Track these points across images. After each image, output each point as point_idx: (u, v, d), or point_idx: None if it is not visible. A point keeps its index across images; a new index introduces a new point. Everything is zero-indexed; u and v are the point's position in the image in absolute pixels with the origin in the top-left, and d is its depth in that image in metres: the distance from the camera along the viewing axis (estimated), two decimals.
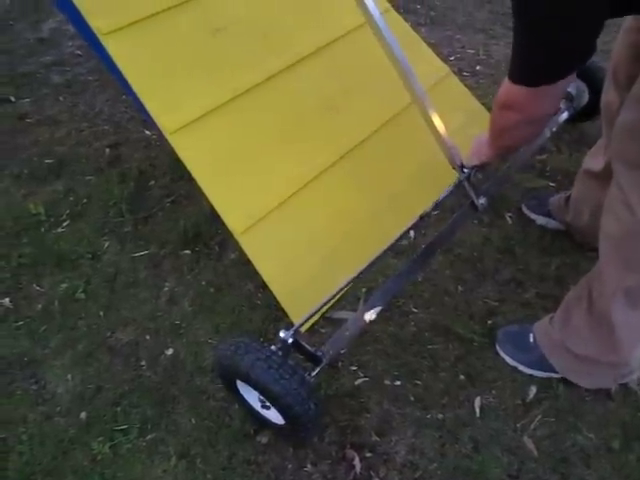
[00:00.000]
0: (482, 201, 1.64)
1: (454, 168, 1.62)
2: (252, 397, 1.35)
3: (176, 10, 1.71)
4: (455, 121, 2.06)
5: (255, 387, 1.23)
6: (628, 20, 1.31)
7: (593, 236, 1.40)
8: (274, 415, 1.30)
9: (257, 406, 1.35)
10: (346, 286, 1.42)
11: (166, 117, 1.59)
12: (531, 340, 1.52)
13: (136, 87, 1.58)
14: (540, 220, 1.91)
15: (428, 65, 2.14)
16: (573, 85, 2.04)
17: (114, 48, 1.58)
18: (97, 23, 1.58)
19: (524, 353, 1.52)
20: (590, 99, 2.04)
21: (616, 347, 1.36)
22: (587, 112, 2.08)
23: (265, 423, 1.39)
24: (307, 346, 1.29)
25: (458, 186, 1.64)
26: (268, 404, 1.27)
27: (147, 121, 2.40)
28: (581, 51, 0.99)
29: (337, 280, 1.42)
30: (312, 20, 1.94)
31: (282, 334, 1.27)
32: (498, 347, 1.57)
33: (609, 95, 1.43)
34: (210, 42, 1.74)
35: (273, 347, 1.26)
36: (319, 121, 1.80)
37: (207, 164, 1.62)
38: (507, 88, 1.14)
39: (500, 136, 1.33)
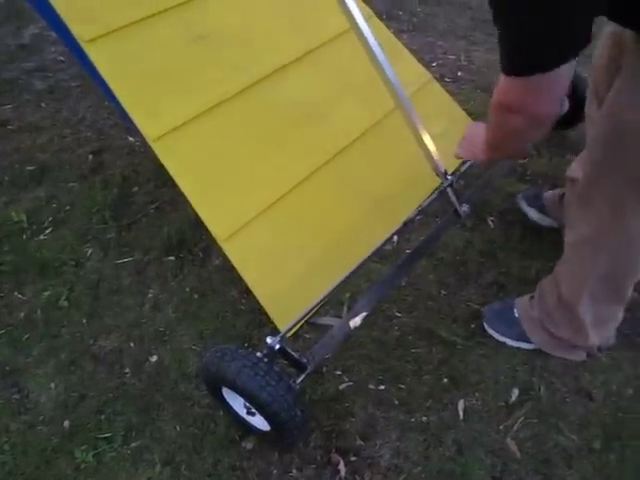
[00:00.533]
0: (465, 208, 1.66)
1: (437, 175, 1.63)
2: (237, 404, 1.35)
3: (158, 17, 1.72)
4: (437, 127, 2.07)
5: (241, 394, 1.23)
6: (606, 35, 1.34)
7: None
8: (259, 421, 1.30)
9: (242, 412, 1.35)
10: (330, 292, 1.42)
11: (149, 124, 1.58)
12: (515, 315, 1.58)
13: (119, 94, 1.58)
14: (532, 214, 1.91)
15: (410, 71, 2.16)
16: None
17: (96, 55, 1.58)
18: (79, 30, 1.57)
19: (510, 327, 1.58)
20: (571, 107, 2.07)
21: (584, 334, 1.45)
22: (568, 120, 2.11)
23: (250, 429, 1.39)
24: (293, 353, 1.30)
25: (441, 193, 1.65)
26: (253, 410, 1.28)
27: (130, 128, 2.39)
28: (567, 37, 0.92)
29: (321, 285, 1.43)
30: (294, 28, 1.95)
31: (269, 340, 1.27)
32: (486, 325, 1.62)
33: (590, 109, 1.46)
34: (192, 49, 1.74)
35: (259, 354, 1.26)
36: (302, 128, 1.81)
37: (190, 171, 1.61)
38: (502, 86, 1.06)
39: (504, 142, 1.25)
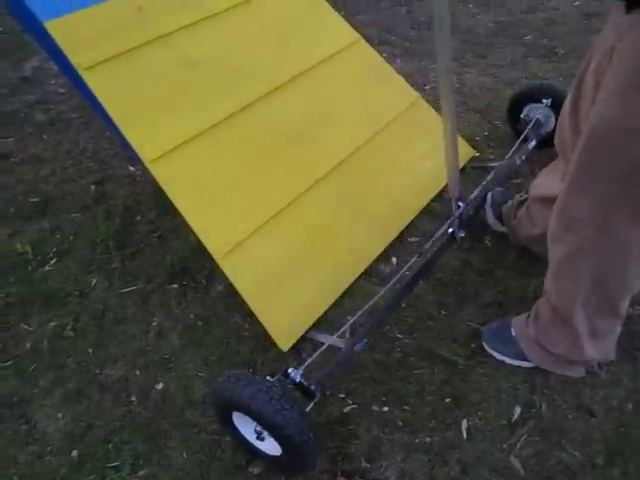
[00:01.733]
0: (462, 234, 1.70)
1: (450, 199, 1.67)
2: (248, 429, 1.37)
3: (153, 44, 1.78)
4: (426, 144, 2.13)
5: (256, 418, 1.26)
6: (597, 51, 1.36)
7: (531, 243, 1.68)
8: (270, 446, 1.32)
9: (252, 438, 1.37)
10: (329, 308, 1.46)
11: (146, 146, 1.64)
12: (512, 334, 1.60)
13: (116, 118, 1.63)
14: (490, 218, 2.01)
15: (398, 91, 2.23)
16: (540, 112, 2.13)
17: (94, 82, 1.64)
18: (77, 59, 1.64)
19: (508, 346, 1.60)
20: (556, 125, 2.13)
21: (580, 348, 1.46)
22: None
23: (259, 454, 1.41)
24: (304, 382, 1.33)
25: (450, 218, 1.71)
26: (263, 436, 1.30)
27: (131, 156, 2.44)
28: None
29: (319, 300, 1.48)
30: (283, 52, 2.01)
31: (291, 372, 1.32)
32: (485, 344, 1.65)
33: (564, 123, 1.47)
34: (187, 74, 1.80)
35: (269, 378, 1.30)
36: (294, 147, 1.86)
37: (187, 191, 1.66)
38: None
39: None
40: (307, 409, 1.32)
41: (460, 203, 1.66)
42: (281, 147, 1.84)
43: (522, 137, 2.11)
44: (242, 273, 1.62)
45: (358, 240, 1.82)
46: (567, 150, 1.46)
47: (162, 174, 1.64)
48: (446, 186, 1.98)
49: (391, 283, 1.64)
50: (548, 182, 1.65)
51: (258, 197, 1.74)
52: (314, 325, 1.67)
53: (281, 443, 1.26)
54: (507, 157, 2.05)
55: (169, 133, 1.69)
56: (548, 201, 1.63)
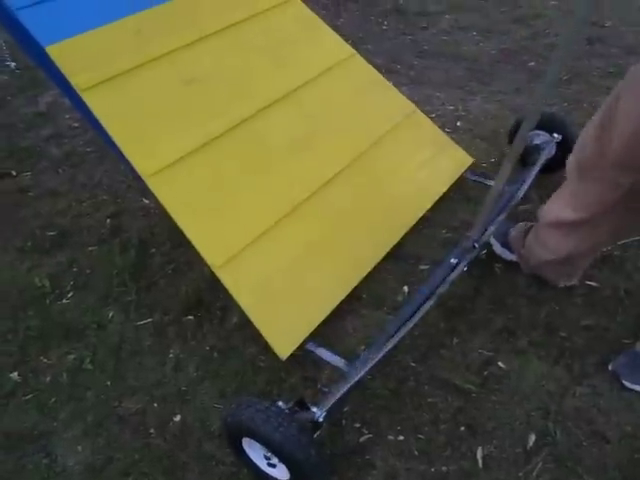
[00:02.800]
0: (465, 268, 1.74)
1: (469, 237, 1.73)
2: (258, 456, 1.41)
3: (150, 65, 1.84)
4: (424, 154, 2.18)
5: (265, 443, 1.30)
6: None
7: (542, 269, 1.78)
8: (279, 472, 1.36)
9: (262, 464, 1.40)
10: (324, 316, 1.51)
11: (144, 162, 1.69)
12: None
13: (114, 135, 1.69)
14: (497, 247, 2.04)
15: (394, 103, 2.28)
16: (541, 138, 2.18)
17: (93, 101, 1.70)
18: (76, 80, 1.70)
19: None
20: (558, 152, 2.18)
21: None
22: (554, 165, 2.20)
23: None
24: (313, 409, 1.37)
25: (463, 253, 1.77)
26: (274, 462, 1.33)
27: (145, 189, 2.50)
28: None
29: (316, 308, 1.52)
30: (278, 68, 2.07)
31: (315, 411, 1.38)
32: (627, 383, 1.63)
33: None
34: (183, 92, 1.86)
35: (281, 403, 1.36)
36: (291, 161, 1.91)
37: (184, 204, 1.71)
38: None
39: None
40: (315, 435, 1.37)
41: (476, 244, 1.70)
42: (278, 160, 1.88)
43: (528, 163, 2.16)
44: (240, 283, 1.65)
45: (356, 249, 1.85)
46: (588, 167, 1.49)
47: (160, 188, 1.69)
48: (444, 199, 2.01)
49: (402, 314, 1.67)
50: (558, 207, 1.68)
51: (256, 209, 1.78)
52: (326, 345, 1.70)
53: (289, 467, 1.31)
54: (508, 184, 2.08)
55: (166, 149, 1.74)
56: (560, 225, 1.66)
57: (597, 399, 1.62)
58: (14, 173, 2.85)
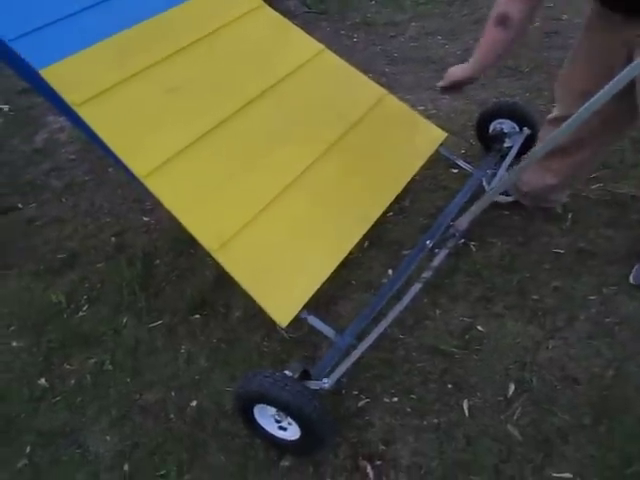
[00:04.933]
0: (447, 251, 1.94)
1: (451, 226, 1.94)
2: (269, 422, 1.60)
3: (134, 78, 2.01)
4: (399, 132, 2.34)
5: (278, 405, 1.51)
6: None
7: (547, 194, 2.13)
8: (290, 434, 1.55)
9: (274, 429, 1.59)
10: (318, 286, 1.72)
11: (138, 164, 1.84)
12: None
13: (110, 144, 1.85)
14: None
15: (366, 90, 2.45)
16: (507, 125, 2.39)
17: (87, 115, 1.86)
18: (71, 97, 1.87)
19: None
20: (527, 139, 2.38)
21: None
22: (522, 151, 2.39)
23: (279, 443, 1.63)
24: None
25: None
26: (284, 425, 1.52)
27: (144, 209, 2.69)
28: None
29: (309, 280, 1.73)
30: (254, 70, 2.23)
31: (325, 381, 1.56)
32: None
33: None
34: (167, 99, 2.02)
35: (287, 372, 1.55)
36: (271, 150, 2.05)
37: (179, 197, 1.84)
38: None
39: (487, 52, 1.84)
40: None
41: (457, 233, 1.90)
42: (260, 151, 2.03)
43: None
44: (236, 263, 1.78)
45: (342, 224, 1.97)
46: None
47: (156, 186, 1.83)
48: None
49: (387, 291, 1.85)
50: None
51: (244, 195, 1.92)
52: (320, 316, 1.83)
53: (298, 423, 1.50)
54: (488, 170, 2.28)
55: (158, 150, 1.89)
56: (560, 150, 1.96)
57: (568, 349, 1.81)
58: (20, 206, 3.04)
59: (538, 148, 1.69)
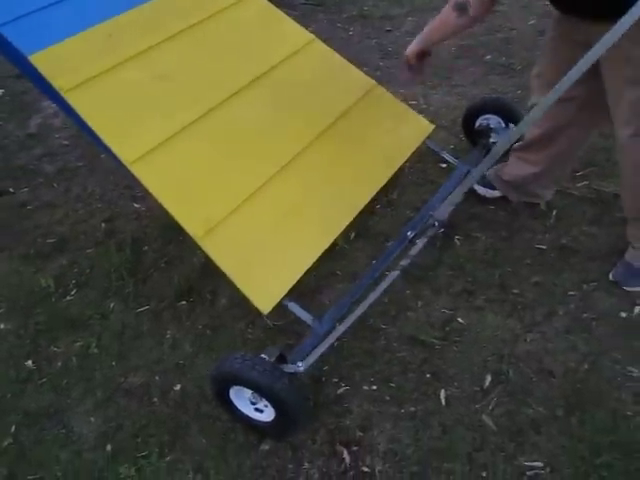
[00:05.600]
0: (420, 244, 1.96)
1: (431, 216, 1.94)
2: (245, 404, 1.66)
3: (123, 65, 2.02)
4: (387, 123, 2.37)
5: (253, 387, 1.56)
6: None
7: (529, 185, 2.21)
8: (266, 416, 1.61)
9: (250, 411, 1.65)
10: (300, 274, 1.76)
11: (126, 151, 1.85)
12: (635, 265, 1.96)
13: (98, 130, 1.86)
14: (480, 190, 2.38)
15: (355, 81, 2.48)
16: (493, 121, 2.42)
17: (75, 101, 1.87)
18: (59, 83, 1.88)
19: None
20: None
21: None
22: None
23: (256, 425, 1.68)
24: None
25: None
26: (260, 407, 1.59)
27: (135, 196, 2.72)
28: None
29: (292, 268, 1.76)
30: (242, 58, 2.25)
31: (300, 365, 1.60)
32: (626, 287, 1.96)
33: None
34: (157, 87, 2.03)
35: (263, 355, 1.60)
36: (259, 139, 2.07)
37: (165, 185, 1.86)
38: None
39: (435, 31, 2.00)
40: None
41: (437, 222, 1.92)
42: (248, 141, 2.05)
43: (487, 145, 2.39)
44: (221, 250, 1.80)
45: (327, 213, 1.99)
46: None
47: (142, 173, 1.84)
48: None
49: (367, 280, 1.88)
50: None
51: (230, 185, 1.93)
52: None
53: (272, 404, 1.56)
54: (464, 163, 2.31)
55: (145, 137, 1.90)
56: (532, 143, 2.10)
57: (545, 343, 1.84)
58: (12, 190, 3.05)
59: (510, 135, 1.72)
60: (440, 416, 1.68)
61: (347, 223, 1.89)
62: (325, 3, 4.89)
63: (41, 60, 1.89)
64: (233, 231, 1.84)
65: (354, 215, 1.91)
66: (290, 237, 1.92)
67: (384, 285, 1.80)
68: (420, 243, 1.94)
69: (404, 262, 1.90)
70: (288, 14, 2.57)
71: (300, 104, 2.24)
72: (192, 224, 1.80)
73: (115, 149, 1.84)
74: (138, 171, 1.82)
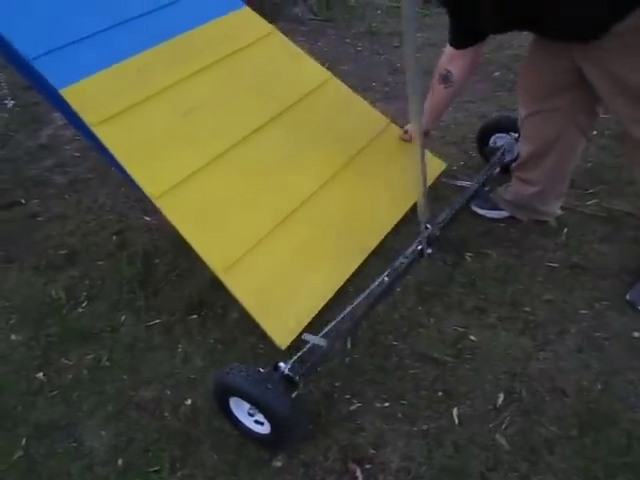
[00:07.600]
0: (429, 250, 1.96)
1: (420, 222, 1.94)
2: (244, 415, 1.68)
3: (151, 99, 2.10)
4: (400, 162, 2.41)
5: (249, 399, 1.58)
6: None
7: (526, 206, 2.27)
8: (265, 429, 1.62)
9: (250, 422, 1.67)
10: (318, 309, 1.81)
11: (151, 185, 1.92)
12: None
13: (124, 164, 1.92)
14: (488, 214, 2.39)
15: (371, 118, 2.54)
16: (504, 140, 2.43)
17: (104, 135, 1.93)
18: (89, 117, 1.93)
19: None
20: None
21: None
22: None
23: (254, 436, 1.69)
24: (291, 375, 1.62)
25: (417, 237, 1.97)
26: (260, 419, 1.61)
27: (145, 209, 2.73)
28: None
29: (309, 304, 1.81)
30: (264, 95, 2.32)
31: (282, 365, 1.61)
32: None
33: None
34: (183, 121, 2.10)
35: (261, 369, 1.63)
36: (278, 176, 2.14)
37: (189, 220, 1.93)
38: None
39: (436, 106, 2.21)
40: (293, 395, 1.61)
41: (428, 225, 1.93)
42: (268, 177, 2.12)
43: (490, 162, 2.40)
44: (241, 286, 1.86)
45: (343, 250, 2.07)
46: None
47: (167, 207, 1.91)
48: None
49: (366, 293, 1.87)
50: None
51: (251, 220, 2.01)
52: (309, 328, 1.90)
53: (269, 419, 1.57)
54: (474, 181, 2.32)
55: (171, 172, 1.97)
56: (528, 159, 2.17)
57: (558, 362, 1.84)
58: (23, 201, 3.08)
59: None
60: (453, 434, 1.67)
61: (359, 263, 1.92)
62: (334, 19, 4.94)
63: (71, 94, 1.94)
64: (252, 267, 1.90)
65: (366, 255, 1.94)
66: (308, 273, 1.97)
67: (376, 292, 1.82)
68: (412, 248, 1.95)
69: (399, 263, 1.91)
70: (297, 29, 2.63)
71: (318, 142, 2.30)
72: (213, 259, 1.87)
73: (141, 184, 1.89)
74: (163, 206, 1.87)
